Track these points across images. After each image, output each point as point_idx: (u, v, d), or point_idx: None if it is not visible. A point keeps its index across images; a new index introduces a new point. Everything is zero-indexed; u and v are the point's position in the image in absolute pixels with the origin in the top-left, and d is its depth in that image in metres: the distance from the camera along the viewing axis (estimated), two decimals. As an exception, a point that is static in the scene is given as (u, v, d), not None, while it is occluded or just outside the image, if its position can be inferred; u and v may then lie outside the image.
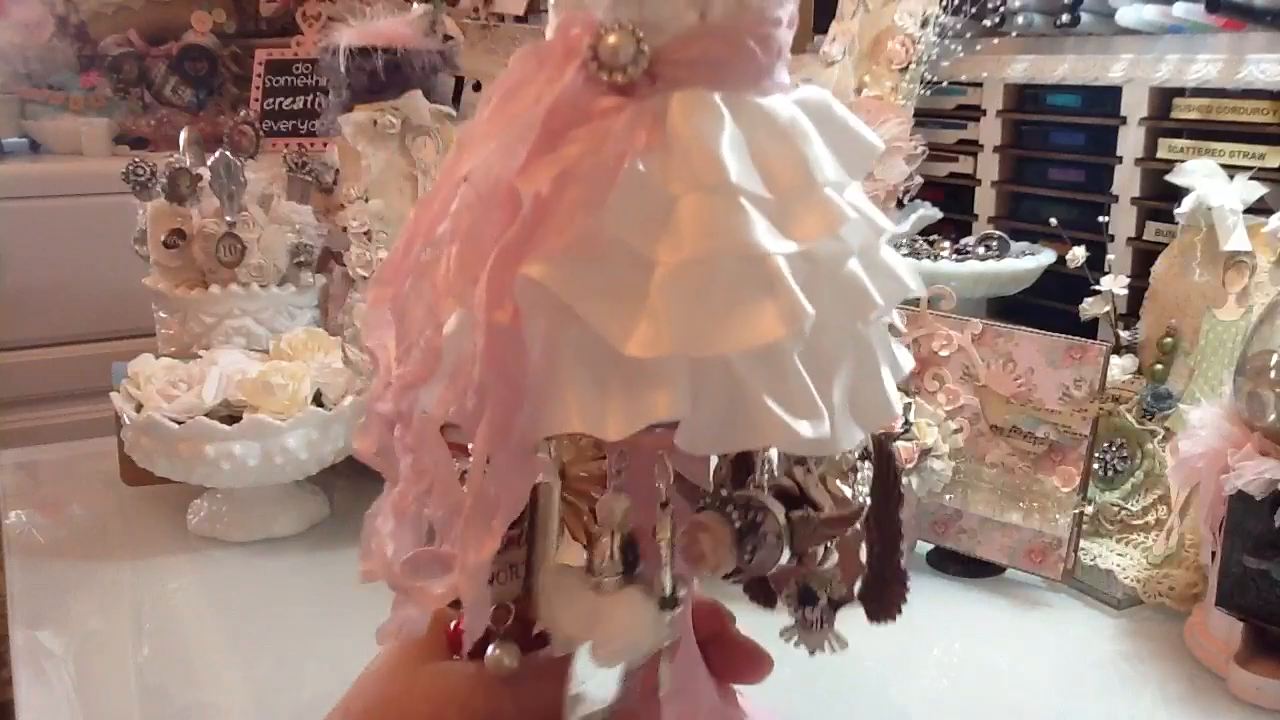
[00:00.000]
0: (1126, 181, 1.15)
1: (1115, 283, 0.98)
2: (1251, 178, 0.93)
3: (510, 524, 0.35)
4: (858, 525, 0.39)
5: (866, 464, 0.40)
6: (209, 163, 1.11)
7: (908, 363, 0.38)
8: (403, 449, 0.36)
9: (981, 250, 1.16)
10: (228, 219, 1.11)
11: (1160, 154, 1.12)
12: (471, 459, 0.33)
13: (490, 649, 0.38)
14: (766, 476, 0.38)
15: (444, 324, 0.35)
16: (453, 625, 0.41)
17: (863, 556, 0.40)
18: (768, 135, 0.34)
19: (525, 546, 0.39)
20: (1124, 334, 0.97)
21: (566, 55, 0.34)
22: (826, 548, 0.40)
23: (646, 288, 0.32)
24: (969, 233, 1.28)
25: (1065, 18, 1.16)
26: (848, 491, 0.39)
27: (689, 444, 0.32)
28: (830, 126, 0.35)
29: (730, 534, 0.36)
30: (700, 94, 0.33)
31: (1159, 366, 0.94)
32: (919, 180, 1.14)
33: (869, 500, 0.39)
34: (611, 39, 0.32)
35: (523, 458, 0.33)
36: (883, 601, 0.40)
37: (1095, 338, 0.96)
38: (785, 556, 0.36)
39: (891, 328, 0.38)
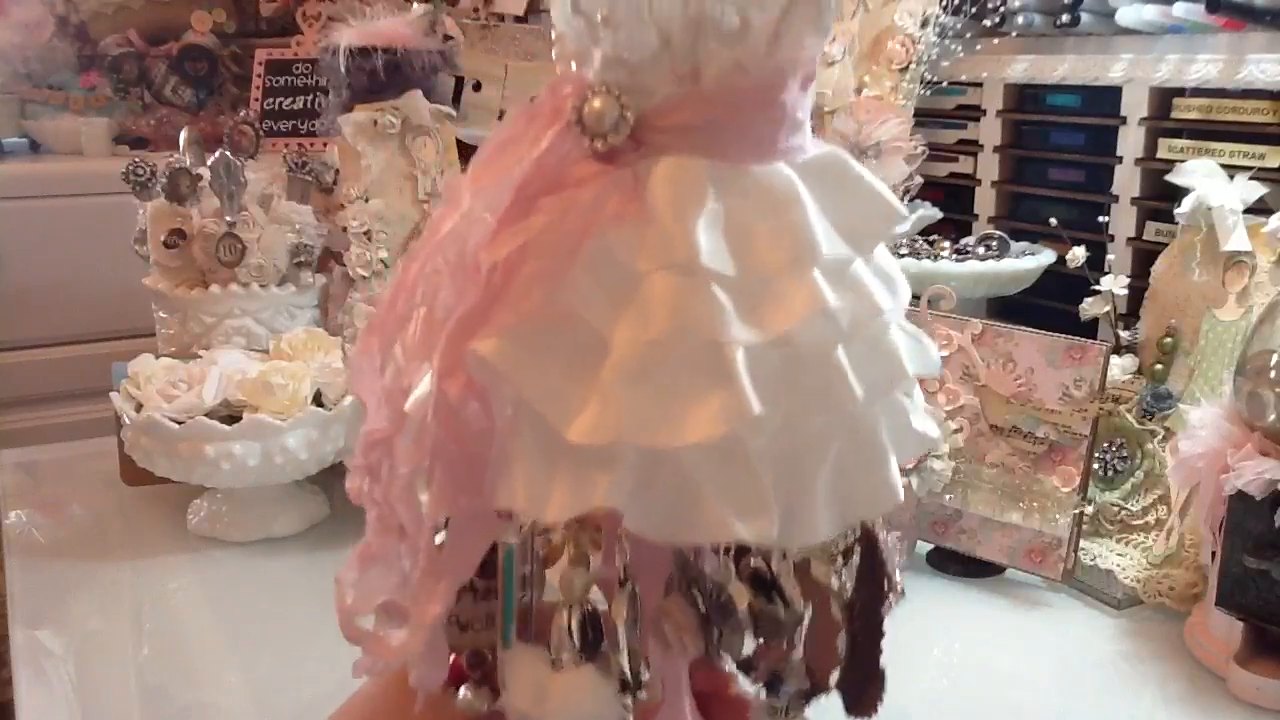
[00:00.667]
0: (1126, 181, 1.15)
1: (1115, 283, 0.98)
2: (1251, 178, 0.93)
3: (488, 575, 0.35)
4: (837, 617, 0.37)
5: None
6: (209, 163, 1.12)
7: (931, 432, 0.35)
8: (370, 502, 0.35)
9: (981, 250, 1.16)
10: (228, 219, 1.11)
11: (1160, 154, 1.12)
12: (425, 521, 0.33)
13: (462, 691, 0.38)
14: (733, 556, 0.36)
15: (411, 385, 0.34)
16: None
17: (841, 648, 0.38)
18: (757, 210, 0.32)
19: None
20: (1124, 334, 0.97)
21: (553, 116, 0.33)
22: (790, 640, 0.38)
23: (600, 368, 0.30)
24: (969, 233, 1.28)
25: (1065, 18, 1.16)
26: (833, 580, 0.37)
27: (638, 530, 0.31)
28: (842, 193, 0.33)
29: (695, 619, 0.35)
30: (686, 162, 0.31)
31: (1159, 366, 0.94)
32: (919, 180, 1.14)
33: (851, 590, 0.37)
34: (596, 103, 0.31)
35: (478, 520, 0.33)
36: (860, 697, 0.38)
37: (1095, 338, 0.95)
38: (750, 643, 0.35)
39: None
